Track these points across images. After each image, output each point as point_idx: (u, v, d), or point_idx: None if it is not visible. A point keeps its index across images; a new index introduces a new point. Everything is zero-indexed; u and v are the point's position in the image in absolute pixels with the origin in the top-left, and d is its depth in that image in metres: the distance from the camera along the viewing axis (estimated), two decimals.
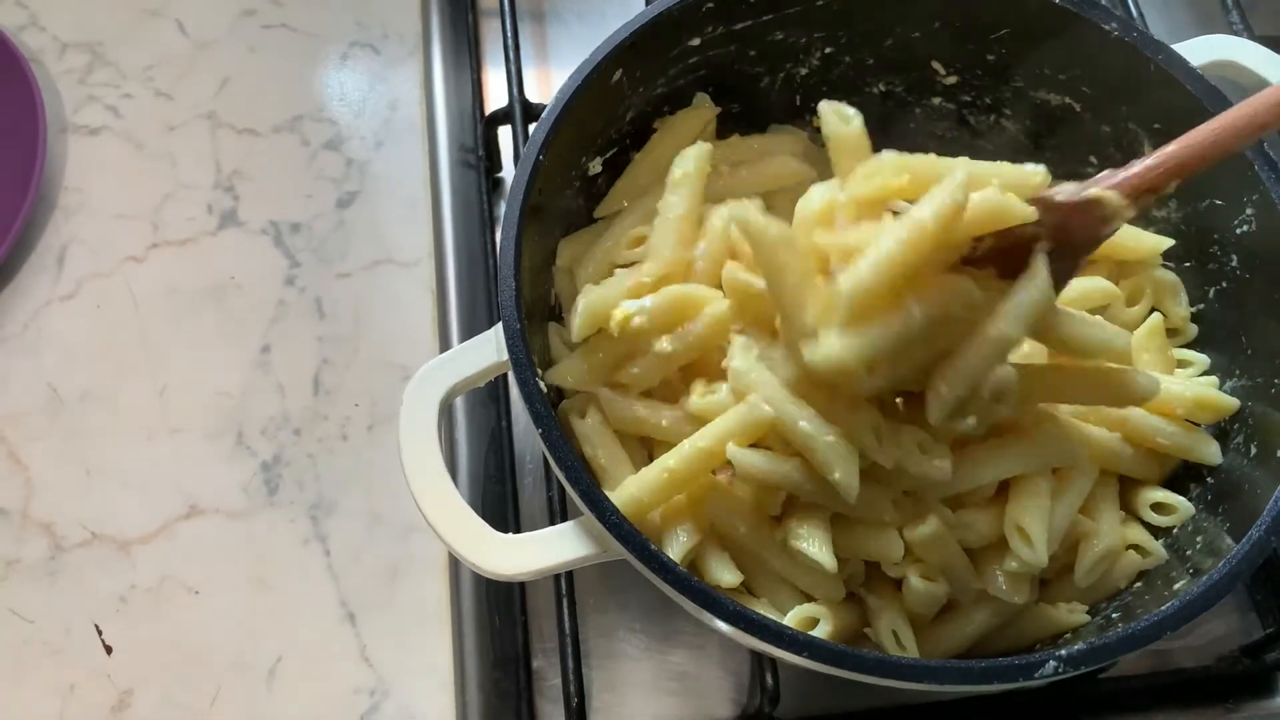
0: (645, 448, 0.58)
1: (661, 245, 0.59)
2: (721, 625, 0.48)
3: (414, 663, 0.62)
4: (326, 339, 0.71)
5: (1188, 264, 0.62)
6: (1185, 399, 0.57)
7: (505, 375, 0.55)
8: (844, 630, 0.54)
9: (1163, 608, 0.48)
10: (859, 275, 0.46)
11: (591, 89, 0.58)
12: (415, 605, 0.64)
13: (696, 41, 0.63)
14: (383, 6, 0.83)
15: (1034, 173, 0.49)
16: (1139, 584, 0.56)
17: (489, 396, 0.69)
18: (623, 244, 0.62)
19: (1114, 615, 0.55)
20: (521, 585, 0.64)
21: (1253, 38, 0.71)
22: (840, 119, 0.52)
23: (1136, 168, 0.48)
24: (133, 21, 0.82)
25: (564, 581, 0.60)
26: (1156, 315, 0.61)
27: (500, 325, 0.53)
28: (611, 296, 0.57)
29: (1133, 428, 0.57)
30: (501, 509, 0.65)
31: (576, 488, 0.50)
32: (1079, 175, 0.64)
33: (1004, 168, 0.50)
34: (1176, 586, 0.52)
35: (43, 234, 0.74)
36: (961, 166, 0.49)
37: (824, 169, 0.63)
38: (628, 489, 0.53)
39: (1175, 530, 0.57)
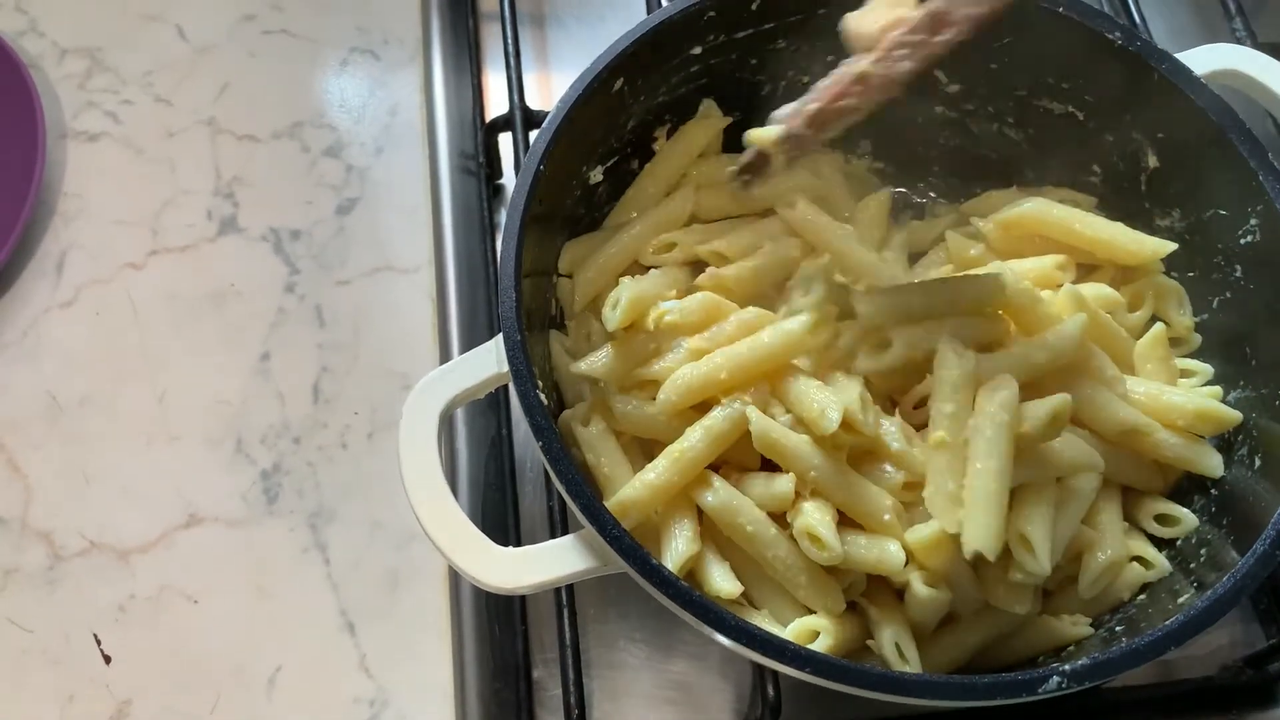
0: (648, 457, 0.58)
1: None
2: (723, 640, 0.47)
3: (414, 672, 0.62)
4: (326, 346, 0.71)
5: (1191, 273, 0.62)
6: (1187, 410, 0.57)
7: (506, 383, 0.55)
8: (846, 643, 0.54)
9: (1167, 622, 0.48)
10: None
11: (593, 98, 0.58)
12: (415, 615, 0.63)
13: (698, 50, 0.62)
14: (383, 12, 0.83)
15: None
16: (1142, 596, 0.56)
17: (489, 405, 0.69)
18: (649, 249, 0.64)
19: (1118, 628, 0.55)
20: (522, 596, 0.63)
21: (1256, 45, 0.71)
22: None
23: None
24: (132, 27, 0.81)
25: (564, 592, 0.59)
26: (1159, 325, 0.61)
27: (500, 336, 0.53)
28: (650, 293, 0.59)
29: (1135, 438, 0.57)
30: (502, 517, 0.65)
31: (577, 501, 0.49)
32: (1082, 185, 0.65)
33: None
34: (1181, 600, 0.52)
35: (42, 240, 0.74)
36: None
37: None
38: (620, 494, 0.54)
39: (1179, 542, 0.57)
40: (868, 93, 0.53)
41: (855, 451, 0.56)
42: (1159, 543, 0.58)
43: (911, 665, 0.53)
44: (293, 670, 0.62)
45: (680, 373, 0.56)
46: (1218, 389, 0.59)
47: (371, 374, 0.70)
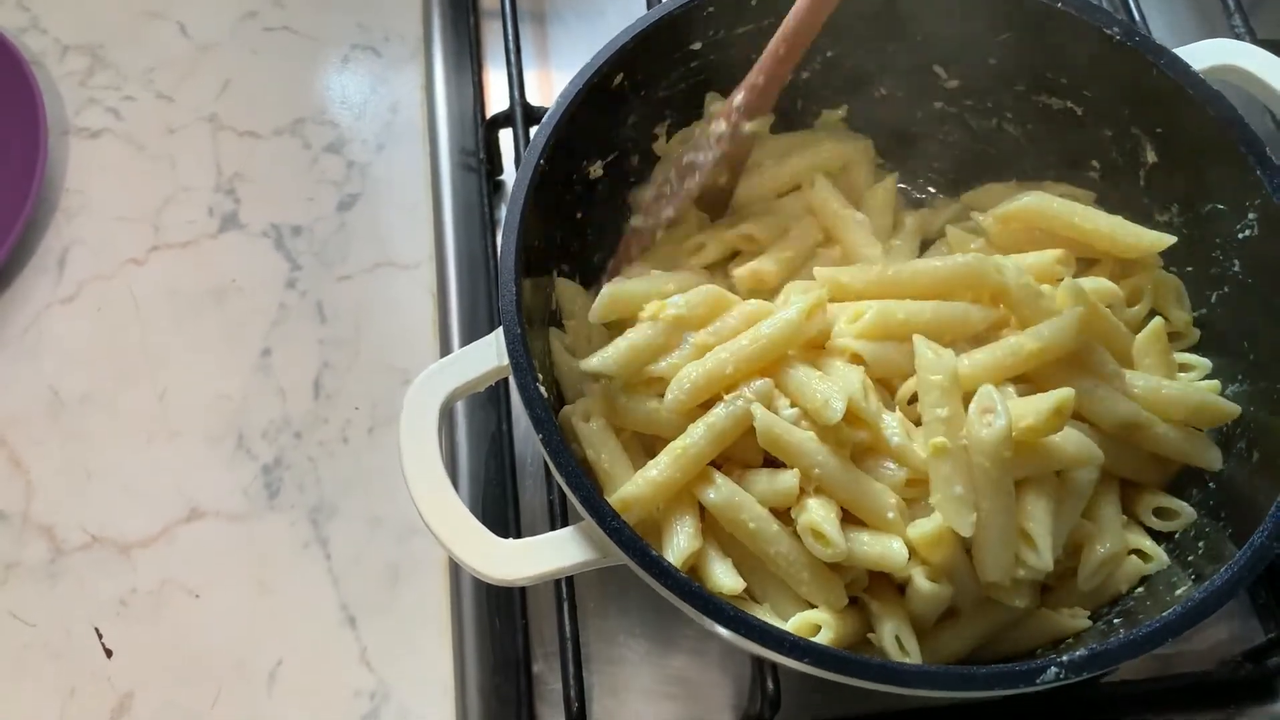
0: (648, 453, 0.58)
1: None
2: (722, 630, 0.48)
3: (414, 666, 0.62)
4: (327, 342, 0.71)
5: (1190, 268, 0.62)
6: (1186, 404, 0.57)
7: (506, 377, 0.55)
8: (846, 637, 0.54)
9: (1164, 614, 0.48)
10: None
11: (593, 94, 0.58)
12: (416, 609, 0.63)
13: (697, 45, 0.63)
14: (384, 9, 0.83)
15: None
16: (1140, 589, 0.56)
17: (489, 399, 0.69)
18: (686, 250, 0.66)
19: (1116, 620, 0.55)
20: (522, 589, 0.64)
21: (1255, 41, 0.71)
22: None
23: (754, 93, 0.61)
24: (134, 24, 0.82)
25: (564, 586, 0.59)
26: (1158, 319, 0.61)
27: (501, 330, 0.53)
28: (638, 291, 0.59)
29: (1134, 432, 0.57)
30: (502, 511, 0.65)
31: (577, 493, 0.50)
32: (1081, 180, 0.65)
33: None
34: (1179, 592, 0.52)
35: (44, 236, 0.74)
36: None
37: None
38: (622, 490, 0.54)
39: (1177, 535, 0.57)
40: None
41: (857, 448, 0.56)
42: (1157, 536, 0.58)
43: (912, 658, 0.53)
44: (294, 664, 0.62)
45: (686, 370, 0.56)
46: (1216, 383, 0.60)
47: (372, 369, 0.70)
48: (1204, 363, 0.61)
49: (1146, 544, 0.57)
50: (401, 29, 0.83)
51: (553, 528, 0.60)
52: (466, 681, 0.61)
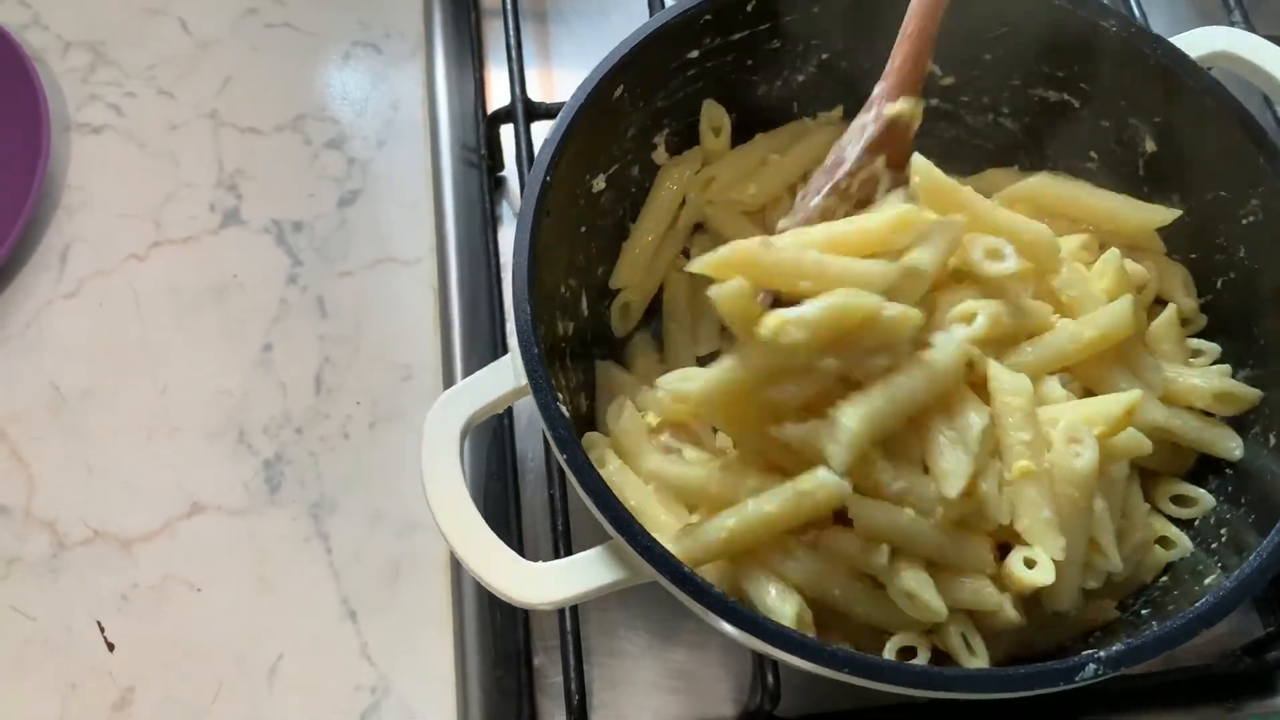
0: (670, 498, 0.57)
1: None
2: (780, 654, 0.47)
3: (415, 660, 0.62)
4: (328, 338, 0.71)
5: (1194, 255, 0.62)
6: (1205, 392, 0.57)
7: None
8: (929, 654, 0.53)
9: (1196, 604, 0.48)
10: None
11: (594, 106, 0.58)
12: (416, 603, 0.64)
13: (695, 53, 0.63)
14: (385, 6, 0.83)
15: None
16: (1165, 578, 0.56)
17: None
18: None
19: (1143, 611, 0.55)
20: None
21: None
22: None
23: (891, 77, 0.58)
24: (135, 20, 0.82)
25: None
26: (1172, 306, 0.60)
27: (516, 351, 0.53)
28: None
29: (1159, 422, 0.57)
30: (504, 505, 0.65)
31: (606, 513, 0.48)
32: (1080, 172, 0.65)
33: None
34: (1208, 581, 0.52)
35: (45, 233, 0.74)
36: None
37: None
38: (684, 542, 0.51)
39: (1197, 523, 0.57)
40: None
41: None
42: (1177, 524, 0.58)
43: (979, 659, 0.52)
44: (295, 659, 0.62)
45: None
46: (1227, 367, 0.60)
47: (373, 365, 0.70)
48: (1214, 348, 0.61)
49: (1170, 530, 0.57)
50: (402, 25, 0.83)
51: (553, 523, 0.61)
52: (467, 675, 0.61)
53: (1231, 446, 0.57)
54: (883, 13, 0.63)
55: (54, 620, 0.63)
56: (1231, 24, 0.75)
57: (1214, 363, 0.60)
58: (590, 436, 0.60)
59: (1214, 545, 0.55)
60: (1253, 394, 0.57)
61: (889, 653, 0.52)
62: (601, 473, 0.52)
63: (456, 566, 0.64)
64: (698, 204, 0.67)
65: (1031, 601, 0.54)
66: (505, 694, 0.61)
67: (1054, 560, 0.50)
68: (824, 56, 0.66)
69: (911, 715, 0.60)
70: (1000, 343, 0.55)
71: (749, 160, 0.67)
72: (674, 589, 0.48)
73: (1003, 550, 0.53)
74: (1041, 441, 0.52)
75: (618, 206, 0.65)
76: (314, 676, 0.62)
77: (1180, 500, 0.58)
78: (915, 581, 0.51)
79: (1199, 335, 0.62)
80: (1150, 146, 0.61)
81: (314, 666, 0.62)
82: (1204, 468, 0.59)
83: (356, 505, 0.66)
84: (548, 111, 0.72)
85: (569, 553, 0.58)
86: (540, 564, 0.51)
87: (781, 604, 0.51)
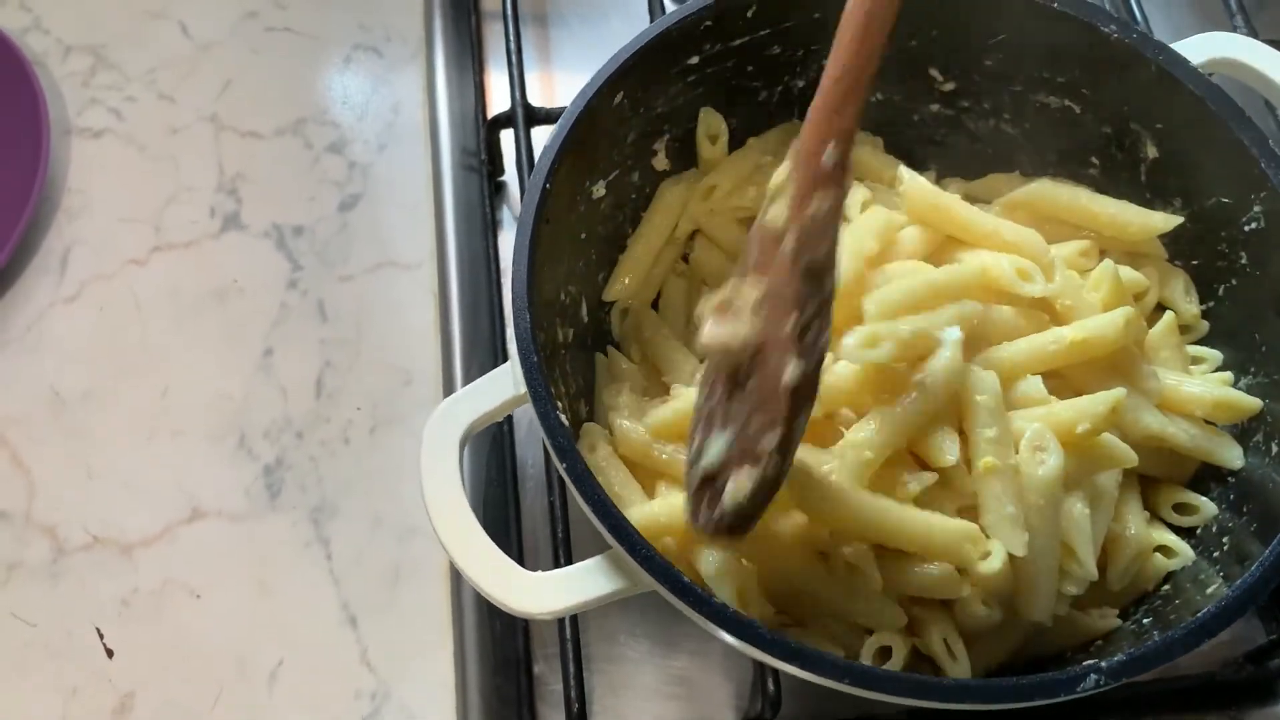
0: (650, 478, 0.58)
1: None
2: (778, 663, 0.47)
3: (415, 667, 0.62)
4: (328, 342, 0.71)
5: (1195, 261, 0.62)
6: (1205, 400, 0.57)
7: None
8: (909, 651, 0.54)
9: (1198, 614, 0.48)
10: None
11: (594, 113, 0.58)
12: (417, 609, 0.63)
13: (695, 60, 0.62)
14: (385, 9, 0.83)
15: None
16: (1166, 587, 0.56)
17: None
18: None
19: (1145, 620, 0.55)
20: None
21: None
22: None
23: (808, 131, 0.46)
24: (136, 24, 0.82)
25: None
26: (1170, 313, 0.60)
27: (515, 358, 0.52)
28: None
29: (1154, 430, 0.57)
30: (503, 512, 0.65)
31: (605, 521, 0.48)
32: (1081, 178, 0.65)
33: None
34: (1210, 590, 0.52)
35: (46, 236, 0.74)
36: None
37: None
38: (649, 509, 0.53)
39: (1199, 531, 0.57)
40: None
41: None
42: (1178, 532, 0.57)
43: (960, 662, 0.53)
44: (294, 664, 0.62)
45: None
46: (1228, 375, 0.59)
47: (374, 369, 0.70)
48: (1215, 355, 0.61)
49: (1170, 538, 0.56)
50: (403, 29, 0.83)
51: (553, 531, 0.61)
52: (467, 681, 0.61)
53: (1232, 455, 0.57)
54: None
55: (54, 625, 0.63)
56: (1233, 29, 0.75)
57: (1215, 370, 0.60)
58: (588, 428, 0.60)
59: (1216, 554, 0.55)
60: (1253, 403, 0.57)
61: (866, 653, 0.53)
62: (589, 459, 0.55)
63: (457, 573, 0.63)
64: (697, 212, 0.67)
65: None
66: (505, 701, 0.61)
67: (1028, 567, 0.51)
68: (825, 62, 0.66)
69: None
70: (974, 340, 0.56)
71: (745, 166, 0.67)
72: (674, 599, 0.47)
73: None
74: (1008, 437, 0.53)
75: (618, 212, 0.65)
76: (314, 682, 0.62)
77: (1182, 508, 0.58)
78: (857, 555, 0.52)
79: (1200, 342, 0.62)
80: (1152, 152, 0.61)
81: (314, 672, 0.62)
82: (1206, 475, 0.59)
83: (357, 510, 0.66)
84: (548, 116, 0.72)
85: (569, 560, 0.58)
86: (539, 573, 0.51)
87: (720, 583, 0.52)
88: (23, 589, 0.64)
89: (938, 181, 0.68)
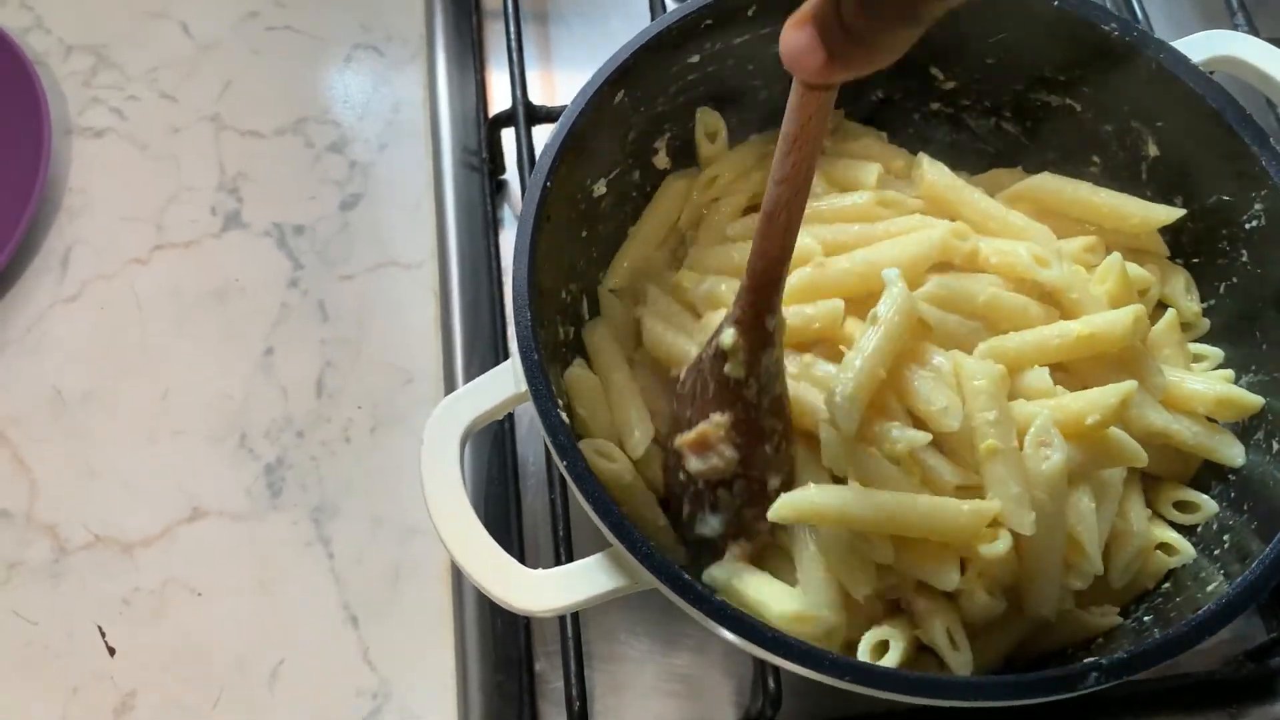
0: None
1: None
2: (771, 657, 0.47)
3: (416, 665, 0.62)
4: (329, 341, 0.71)
5: (1196, 259, 0.62)
6: (1207, 398, 0.57)
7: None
8: (910, 646, 0.54)
9: (1199, 611, 0.48)
10: None
11: (595, 111, 0.58)
12: (418, 608, 0.64)
13: (696, 58, 0.62)
14: (386, 9, 0.83)
15: None
16: (1167, 584, 0.56)
17: None
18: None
19: (1146, 618, 0.55)
20: None
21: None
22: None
23: (747, 304, 0.52)
24: (137, 24, 0.82)
25: None
26: (1172, 311, 0.60)
27: (516, 357, 0.53)
28: None
29: (1158, 426, 0.56)
30: (504, 510, 0.65)
31: (606, 519, 0.49)
32: (1082, 176, 0.65)
33: None
34: (1210, 588, 0.52)
35: (47, 236, 0.74)
36: None
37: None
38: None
39: (1199, 529, 0.57)
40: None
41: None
42: (1179, 530, 0.57)
43: (963, 653, 0.53)
44: (296, 663, 0.62)
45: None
46: (1229, 373, 0.59)
47: (374, 369, 0.70)
48: (1217, 353, 0.61)
49: (1172, 537, 0.56)
50: (404, 28, 0.83)
51: (554, 529, 0.61)
52: (468, 680, 0.61)
53: (1234, 453, 0.57)
54: None
55: (55, 625, 0.63)
56: (1234, 27, 0.75)
57: (1217, 367, 0.60)
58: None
59: (1217, 552, 0.55)
60: (1255, 400, 0.57)
61: (864, 647, 0.53)
62: (567, 372, 0.57)
63: (458, 571, 0.64)
64: (698, 205, 0.67)
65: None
66: (506, 699, 0.61)
67: (1034, 560, 0.52)
68: None
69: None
70: (970, 333, 0.57)
71: (748, 159, 0.67)
72: (674, 596, 0.48)
73: None
74: (1009, 421, 0.53)
75: (619, 211, 0.65)
76: (315, 681, 0.62)
77: (1183, 506, 0.58)
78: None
79: (1201, 340, 0.62)
80: (1153, 150, 0.61)
81: (315, 671, 0.62)
82: (1207, 473, 0.59)
83: (358, 510, 0.66)
84: (549, 115, 0.72)
85: (570, 558, 0.58)
86: (539, 571, 0.51)
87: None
88: (24, 588, 0.64)
89: None
